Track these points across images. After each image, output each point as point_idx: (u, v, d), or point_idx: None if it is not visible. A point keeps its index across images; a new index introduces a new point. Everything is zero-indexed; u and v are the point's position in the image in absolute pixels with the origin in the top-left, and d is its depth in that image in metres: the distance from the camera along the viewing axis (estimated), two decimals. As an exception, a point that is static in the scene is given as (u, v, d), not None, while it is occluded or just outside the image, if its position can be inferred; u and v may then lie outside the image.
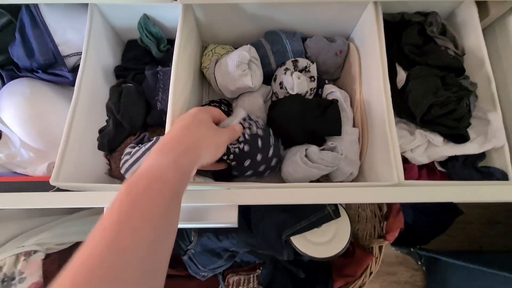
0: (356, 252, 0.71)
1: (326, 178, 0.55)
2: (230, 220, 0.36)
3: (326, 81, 0.56)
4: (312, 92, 0.53)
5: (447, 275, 0.98)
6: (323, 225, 0.58)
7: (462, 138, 0.43)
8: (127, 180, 0.29)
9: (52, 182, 0.39)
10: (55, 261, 0.41)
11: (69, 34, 0.51)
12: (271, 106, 0.54)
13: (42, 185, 0.44)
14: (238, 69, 0.48)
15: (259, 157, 0.44)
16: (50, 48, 0.50)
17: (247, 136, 0.43)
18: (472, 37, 0.48)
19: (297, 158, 0.46)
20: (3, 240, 0.38)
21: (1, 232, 0.39)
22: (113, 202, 0.27)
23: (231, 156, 0.43)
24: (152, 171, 0.30)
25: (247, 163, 0.43)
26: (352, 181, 0.52)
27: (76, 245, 0.44)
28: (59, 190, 0.41)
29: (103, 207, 0.40)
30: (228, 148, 0.42)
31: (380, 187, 0.38)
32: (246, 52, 0.48)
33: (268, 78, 0.56)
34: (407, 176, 0.39)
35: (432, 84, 0.42)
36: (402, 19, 0.50)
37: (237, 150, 0.42)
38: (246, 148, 0.43)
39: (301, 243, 0.59)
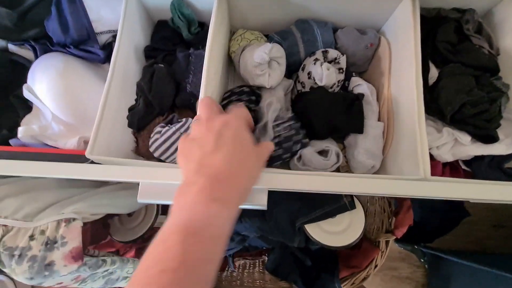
0: (363, 244, 0.72)
1: (346, 170, 0.56)
2: (260, 202, 0.37)
3: (353, 74, 0.56)
4: (339, 84, 0.53)
5: (450, 274, 0.99)
6: (338, 215, 0.59)
7: (490, 138, 0.43)
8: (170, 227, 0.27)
9: (87, 155, 0.41)
10: (88, 231, 0.44)
11: (103, 11, 0.51)
12: (296, 97, 0.54)
13: (73, 158, 0.46)
14: (257, 69, 0.49)
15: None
16: (84, 24, 0.51)
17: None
18: (509, 37, 0.47)
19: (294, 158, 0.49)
20: (42, 206, 0.40)
21: (39, 199, 0.41)
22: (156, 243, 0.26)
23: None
24: (211, 226, 0.27)
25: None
26: (374, 174, 0.52)
27: (107, 217, 0.46)
28: (92, 163, 0.42)
29: (134, 182, 0.41)
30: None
31: (406, 181, 0.39)
32: (266, 54, 0.48)
33: (296, 67, 0.56)
34: (431, 173, 0.40)
35: (466, 83, 0.42)
36: (437, 14, 0.49)
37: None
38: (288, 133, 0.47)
39: (314, 231, 0.60)
